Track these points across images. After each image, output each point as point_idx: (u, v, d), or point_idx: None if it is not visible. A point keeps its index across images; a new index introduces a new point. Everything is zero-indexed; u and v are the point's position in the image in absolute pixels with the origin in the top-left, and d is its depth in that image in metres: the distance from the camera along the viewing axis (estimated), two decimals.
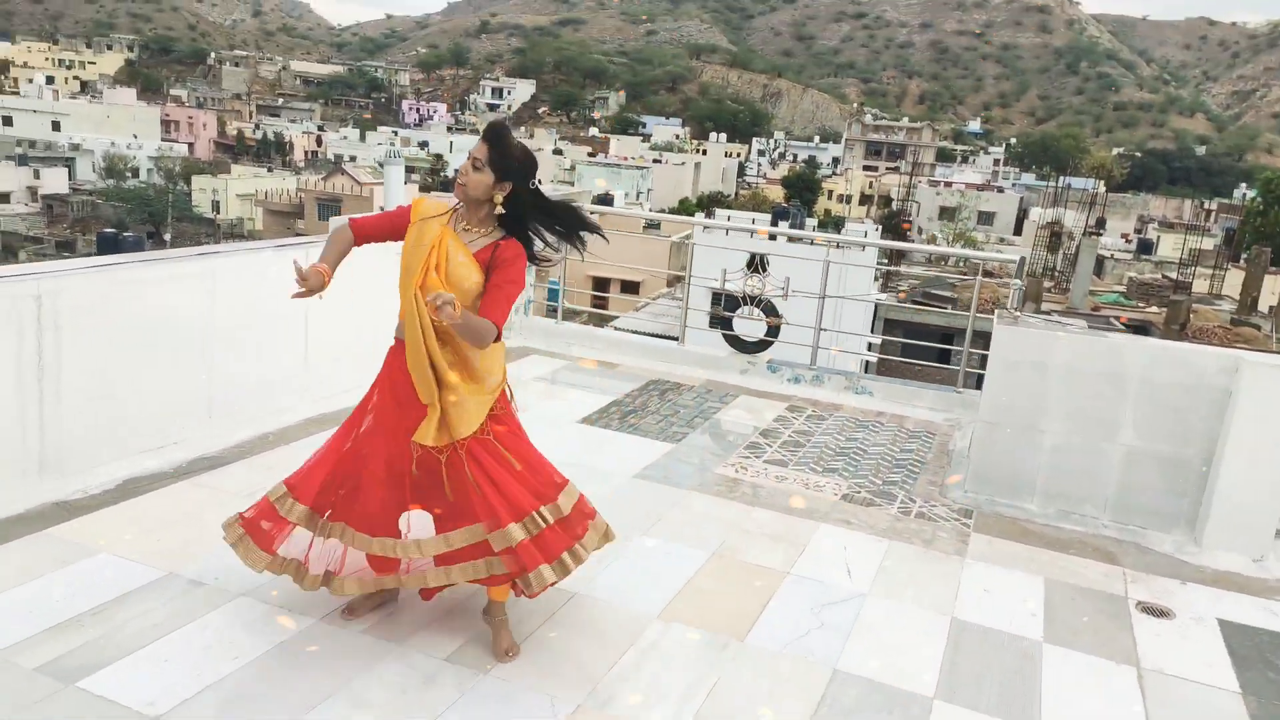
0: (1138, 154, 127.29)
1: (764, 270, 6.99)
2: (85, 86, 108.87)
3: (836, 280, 9.87)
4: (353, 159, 70.83)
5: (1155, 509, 4.35)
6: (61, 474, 3.95)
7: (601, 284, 27.09)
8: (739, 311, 7.05)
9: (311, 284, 2.85)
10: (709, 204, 54.32)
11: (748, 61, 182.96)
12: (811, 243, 16.61)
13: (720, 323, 7.29)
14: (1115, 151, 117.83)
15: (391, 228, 3.02)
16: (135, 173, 62.69)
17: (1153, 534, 4.35)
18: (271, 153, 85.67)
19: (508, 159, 2.87)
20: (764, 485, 4.70)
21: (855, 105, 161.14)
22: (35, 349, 3.84)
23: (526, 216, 2.96)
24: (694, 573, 3.71)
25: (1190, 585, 3.94)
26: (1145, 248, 46.76)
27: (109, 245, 32.38)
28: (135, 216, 51.08)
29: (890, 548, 4.08)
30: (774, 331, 7.01)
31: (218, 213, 58.35)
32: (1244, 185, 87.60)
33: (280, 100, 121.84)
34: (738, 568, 3.80)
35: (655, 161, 75.78)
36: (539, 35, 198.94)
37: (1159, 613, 3.66)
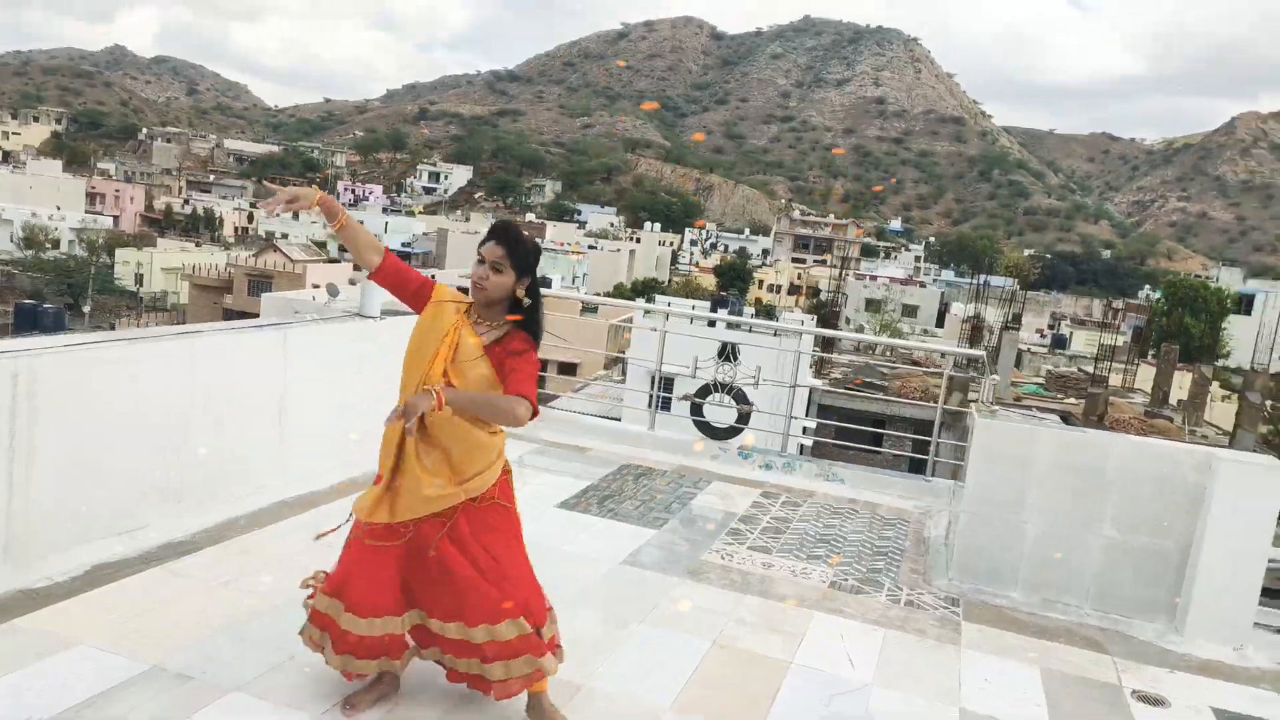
0: (1048, 255, 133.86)
1: (735, 359, 7.09)
2: (8, 156, 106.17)
3: (783, 368, 10.12)
4: (284, 236, 70.11)
5: (1136, 599, 4.46)
6: (26, 560, 3.71)
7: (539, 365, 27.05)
8: (709, 398, 7.10)
9: (301, 193, 2.82)
10: (645, 290, 55.08)
11: (680, 156, 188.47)
12: (750, 329, 16.96)
13: (688, 408, 7.32)
14: (1027, 253, 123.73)
15: (414, 286, 2.99)
16: (56, 244, 60.96)
17: (1135, 623, 4.44)
18: (200, 228, 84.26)
19: (527, 255, 2.91)
20: (752, 572, 4.68)
21: (783, 201, 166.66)
22: (8, 430, 3.64)
23: (539, 304, 2.97)
24: (698, 662, 3.65)
25: (1178, 674, 4.01)
26: (1059, 342, 48.98)
27: (27, 316, 31.19)
28: (54, 288, 49.50)
29: (886, 636, 4.08)
30: (744, 418, 7.08)
31: (141, 285, 56.85)
32: (1148, 287, 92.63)
33: (212, 177, 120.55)
34: (740, 657, 3.75)
35: (591, 248, 76.82)
36: (477, 124, 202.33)
37: (1154, 701, 3.71)
